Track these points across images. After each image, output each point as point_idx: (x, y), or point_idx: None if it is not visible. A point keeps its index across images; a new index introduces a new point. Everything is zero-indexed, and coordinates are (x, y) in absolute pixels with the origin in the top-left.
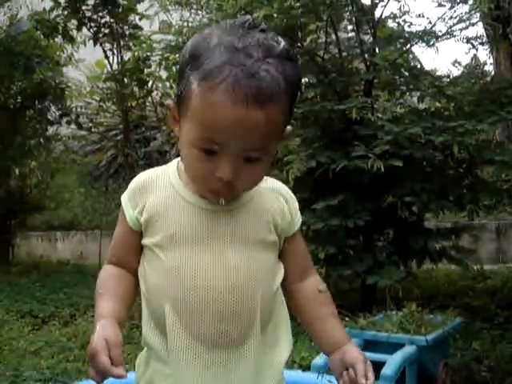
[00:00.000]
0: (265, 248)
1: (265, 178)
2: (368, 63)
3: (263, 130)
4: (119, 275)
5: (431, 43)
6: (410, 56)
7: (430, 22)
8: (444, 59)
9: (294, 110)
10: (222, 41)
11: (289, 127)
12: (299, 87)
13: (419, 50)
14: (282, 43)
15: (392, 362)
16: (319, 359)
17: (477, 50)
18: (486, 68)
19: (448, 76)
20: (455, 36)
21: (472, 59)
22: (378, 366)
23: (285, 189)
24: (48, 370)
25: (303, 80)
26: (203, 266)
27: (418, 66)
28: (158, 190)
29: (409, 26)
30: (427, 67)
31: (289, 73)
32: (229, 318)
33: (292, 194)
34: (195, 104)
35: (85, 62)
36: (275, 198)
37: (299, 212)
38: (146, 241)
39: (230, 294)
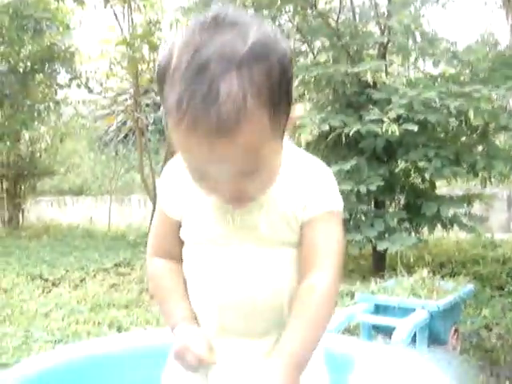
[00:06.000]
0: (288, 247)
1: (293, 160)
2: (382, 27)
3: (240, 155)
4: (173, 270)
5: (445, 3)
6: (425, 21)
7: None
8: (458, 26)
9: (288, 97)
10: (181, 59)
11: (296, 107)
12: (283, 80)
13: (434, 16)
14: (251, 39)
15: (403, 327)
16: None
17: (493, 14)
18: (501, 36)
19: (463, 42)
20: None
21: (487, 27)
22: (390, 331)
23: (312, 173)
24: (58, 332)
25: (316, 44)
26: (224, 269)
27: (433, 32)
28: (188, 185)
29: None
30: (441, 34)
31: (259, 79)
32: (250, 316)
33: (319, 179)
34: (174, 139)
35: (95, 25)
36: (297, 191)
37: (325, 197)
38: (180, 233)
39: (250, 297)
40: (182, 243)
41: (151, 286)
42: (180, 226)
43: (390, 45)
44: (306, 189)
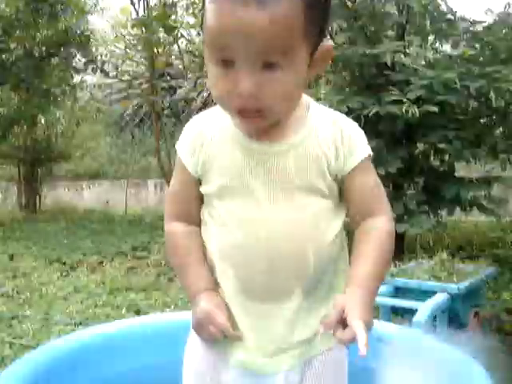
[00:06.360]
0: (316, 195)
1: (321, 110)
2: (401, 7)
3: (272, 30)
4: (192, 233)
5: None
6: (443, 2)
7: None
8: (476, 7)
9: (326, 9)
10: None
11: (328, 42)
12: None
13: None
14: None
15: (424, 310)
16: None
17: None
18: None
19: (483, 22)
20: None
21: (505, 7)
22: (409, 313)
23: (342, 123)
24: (77, 315)
25: (333, 26)
26: (249, 217)
27: (451, 12)
28: (211, 135)
29: None
30: (460, 13)
31: None
32: (275, 269)
33: (351, 128)
34: (205, 19)
35: (109, 10)
36: (329, 138)
37: (362, 145)
38: (201, 188)
39: (275, 246)
40: (200, 205)
41: (169, 251)
42: (199, 185)
43: (408, 25)
44: (342, 137)
